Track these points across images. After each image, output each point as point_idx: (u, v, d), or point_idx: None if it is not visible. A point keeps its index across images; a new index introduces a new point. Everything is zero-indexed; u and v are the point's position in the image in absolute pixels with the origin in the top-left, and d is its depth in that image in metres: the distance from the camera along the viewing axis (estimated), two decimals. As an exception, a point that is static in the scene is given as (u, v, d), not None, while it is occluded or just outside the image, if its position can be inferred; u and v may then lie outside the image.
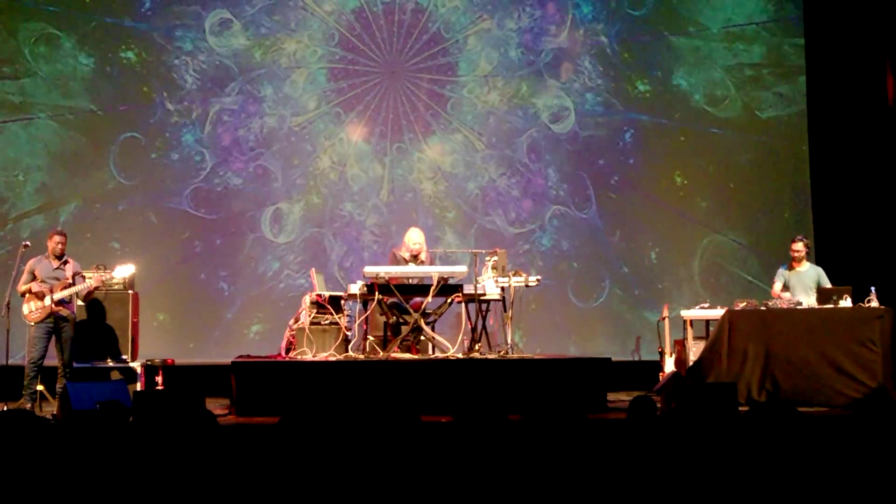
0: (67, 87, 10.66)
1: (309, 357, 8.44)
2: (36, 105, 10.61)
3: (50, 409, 8.29)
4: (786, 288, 9.36)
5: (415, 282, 9.05)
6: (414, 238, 9.35)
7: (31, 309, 8.48)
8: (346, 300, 8.80)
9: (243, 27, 10.93)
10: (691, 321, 9.37)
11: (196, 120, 10.82)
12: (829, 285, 9.12)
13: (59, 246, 8.66)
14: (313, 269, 9.46)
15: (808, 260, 9.46)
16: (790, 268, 9.44)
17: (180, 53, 10.82)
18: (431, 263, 9.34)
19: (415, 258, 9.24)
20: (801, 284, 9.28)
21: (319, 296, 8.72)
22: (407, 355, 8.62)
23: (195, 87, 10.83)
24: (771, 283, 9.64)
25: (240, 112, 10.90)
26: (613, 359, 8.92)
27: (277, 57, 11.00)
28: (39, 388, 8.54)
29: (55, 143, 10.62)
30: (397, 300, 8.77)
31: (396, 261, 9.26)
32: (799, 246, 9.36)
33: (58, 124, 10.63)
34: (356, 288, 8.68)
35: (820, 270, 9.40)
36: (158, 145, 10.78)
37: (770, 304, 8.86)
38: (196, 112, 10.82)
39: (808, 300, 9.05)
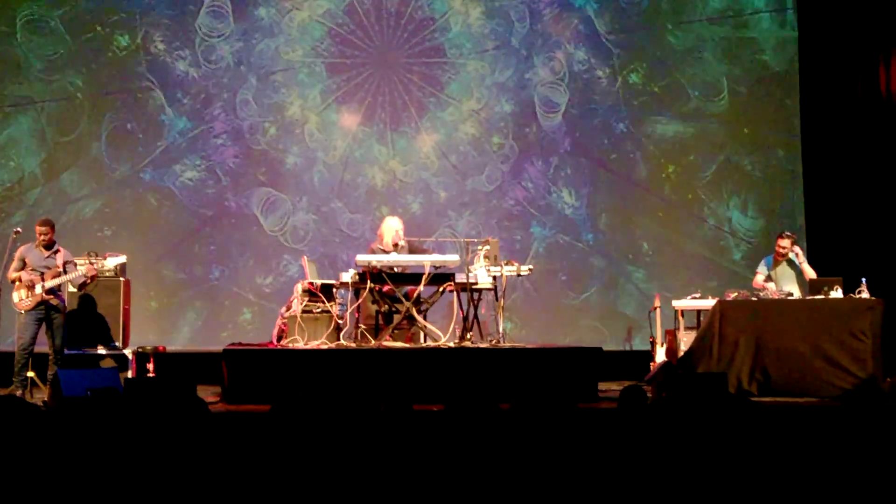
0: (59, 74, 10.62)
1: (300, 345, 8.43)
2: (26, 91, 10.57)
3: (41, 395, 8.27)
4: (769, 279, 9.42)
5: (406, 271, 9.03)
6: (395, 225, 9.32)
7: (22, 297, 8.44)
8: (337, 288, 8.80)
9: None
10: (682, 311, 9.39)
11: (185, 105, 10.80)
12: (804, 260, 9.27)
13: (43, 237, 8.54)
14: (305, 256, 9.46)
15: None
16: (775, 262, 9.50)
17: (172, 43, 10.80)
18: (412, 251, 9.32)
19: (395, 246, 9.22)
20: (785, 273, 9.40)
21: (311, 284, 8.72)
22: (398, 344, 8.62)
23: (188, 74, 10.81)
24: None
25: (231, 92, 10.89)
26: (605, 348, 8.92)
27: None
28: (30, 374, 8.51)
29: (46, 129, 10.58)
30: (389, 288, 8.77)
31: (374, 254, 9.19)
32: (785, 242, 9.41)
33: (49, 111, 10.59)
34: (348, 276, 8.68)
35: (796, 249, 9.44)
36: (149, 130, 10.74)
37: (761, 294, 8.89)
38: (186, 98, 10.80)
39: (793, 287, 9.15)
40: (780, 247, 9.44)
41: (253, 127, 10.91)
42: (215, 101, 10.86)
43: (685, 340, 9.08)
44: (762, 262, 9.65)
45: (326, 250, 10.90)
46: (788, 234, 9.61)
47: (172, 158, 10.76)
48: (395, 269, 8.92)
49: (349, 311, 8.80)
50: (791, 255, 9.39)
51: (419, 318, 8.85)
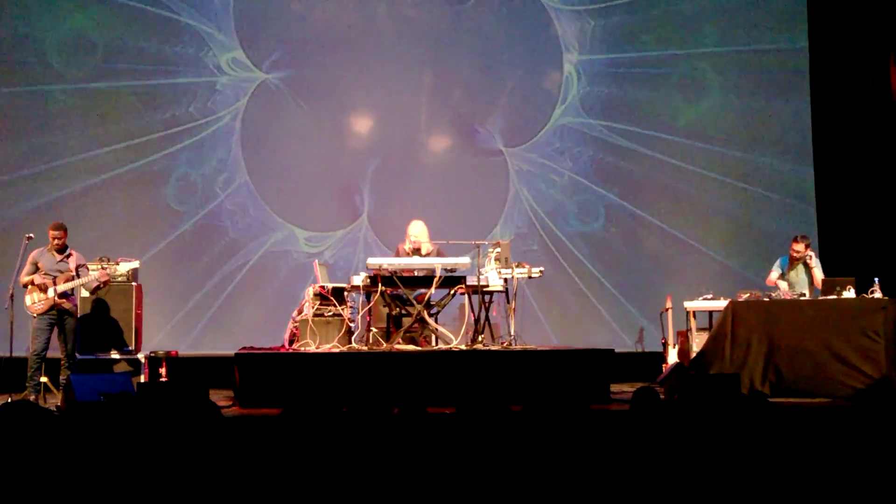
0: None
1: (312, 349, 8.44)
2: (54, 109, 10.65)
3: (54, 400, 8.30)
4: (782, 278, 9.40)
5: (418, 274, 9.03)
6: (413, 231, 9.32)
7: (34, 300, 8.48)
8: (349, 292, 8.80)
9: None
10: (694, 312, 9.37)
11: (199, 117, 10.84)
12: (816, 265, 9.25)
13: (56, 241, 8.61)
14: (316, 260, 9.47)
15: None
16: (790, 265, 9.46)
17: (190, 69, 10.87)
18: (439, 255, 9.30)
19: (416, 251, 9.21)
20: (799, 277, 9.39)
21: (323, 287, 8.72)
22: (410, 347, 8.62)
23: (206, 85, 10.88)
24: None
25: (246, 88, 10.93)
26: (617, 350, 8.90)
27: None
28: (43, 379, 8.54)
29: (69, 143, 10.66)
30: (400, 291, 8.76)
31: (399, 256, 9.22)
32: (800, 246, 9.37)
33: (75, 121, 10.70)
34: (359, 279, 8.68)
35: (810, 252, 9.41)
36: (165, 137, 10.78)
37: (773, 295, 8.87)
38: (200, 107, 10.85)
39: (806, 291, 9.12)
40: (794, 250, 9.40)
41: (267, 131, 10.95)
42: (229, 110, 10.89)
43: (697, 342, 9.06)
44: (777, 261, 9.59)
45: (337, 253, 10.91)
46: (802, 237, 9.56)
47: (185, 166, 10.79)
48: (416, 273, 8.90)
49: (360, 314, 8.80)
50: (805, 259, 9.33)
51: (430, 320, 8.85)
